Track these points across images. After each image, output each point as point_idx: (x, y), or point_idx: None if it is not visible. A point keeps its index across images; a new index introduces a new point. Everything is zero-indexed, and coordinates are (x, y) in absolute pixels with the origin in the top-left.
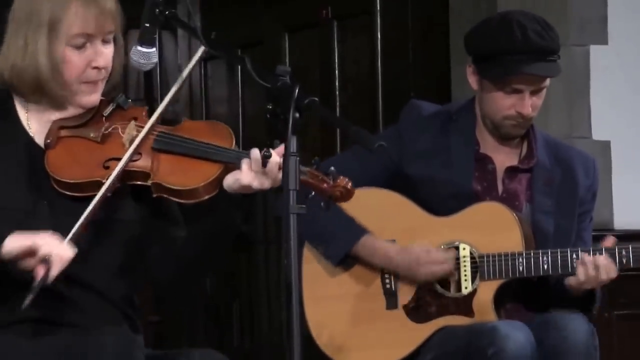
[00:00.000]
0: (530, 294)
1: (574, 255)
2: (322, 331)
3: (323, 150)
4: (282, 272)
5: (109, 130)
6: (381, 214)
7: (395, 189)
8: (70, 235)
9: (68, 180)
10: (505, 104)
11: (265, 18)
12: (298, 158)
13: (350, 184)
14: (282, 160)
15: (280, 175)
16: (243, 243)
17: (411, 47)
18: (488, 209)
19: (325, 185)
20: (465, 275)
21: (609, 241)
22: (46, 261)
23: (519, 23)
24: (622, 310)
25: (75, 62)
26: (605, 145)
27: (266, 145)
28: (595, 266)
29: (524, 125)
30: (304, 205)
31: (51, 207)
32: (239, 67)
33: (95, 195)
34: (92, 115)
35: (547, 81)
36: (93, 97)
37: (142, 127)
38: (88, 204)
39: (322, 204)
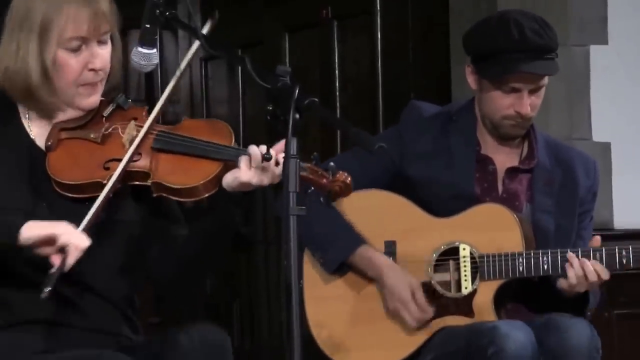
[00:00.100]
0: (530, 295)
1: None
2: (322, 331)
3: (323, 151)
4: (282, 273)
5: (109, 130)
6: (382, 215)
7: (396, 190)
8: (83, 225)
9: (69, 182)
10: (504, 104)
11: (265, 18)
12: (298, 160)
13: (349, 178)
14: (280, 156)
15: (278, 170)
16: (243, 243)
17: (411, 48)
18: (489, 210)
19: (324, 180)
20: (465, 275)
21: (595, 241)
22: (62, 250)
23: (516, 22)
24: (622, 309)
25: (72, 65)
26: (606, 147)
27: (266, 147)
28: (584, 268)
29: (523, 126)
30: (303, 207)
31: (50, 209)
32: (240, 67)
33: (95, 195)
34: (92, 116)
35: (546, 80)
36: (92, 99)
37: (142, 127)
38: (88, 207)
39: (321, 199)
